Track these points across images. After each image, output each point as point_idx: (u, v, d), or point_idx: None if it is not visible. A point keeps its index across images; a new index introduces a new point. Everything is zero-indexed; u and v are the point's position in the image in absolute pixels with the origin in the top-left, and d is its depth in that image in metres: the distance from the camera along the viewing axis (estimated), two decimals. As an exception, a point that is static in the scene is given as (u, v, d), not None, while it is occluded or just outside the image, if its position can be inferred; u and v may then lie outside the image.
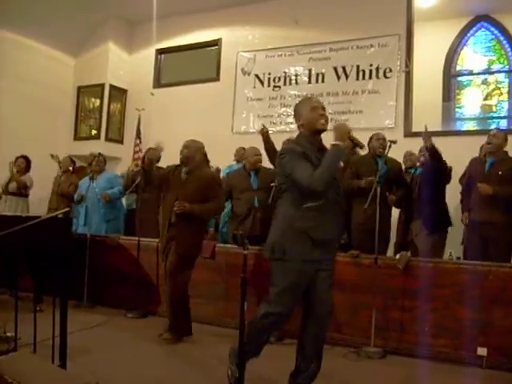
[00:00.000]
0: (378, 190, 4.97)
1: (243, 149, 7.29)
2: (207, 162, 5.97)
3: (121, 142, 10.56)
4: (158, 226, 5.98)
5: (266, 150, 5.78)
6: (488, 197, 5.17)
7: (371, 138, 5.87)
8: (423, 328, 4.57)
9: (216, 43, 9.85)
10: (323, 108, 3.37)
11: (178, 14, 9.81)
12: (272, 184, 5.28)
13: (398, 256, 4.85)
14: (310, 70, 8.87)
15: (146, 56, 10.58)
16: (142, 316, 5.82)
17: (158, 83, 10.44)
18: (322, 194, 3.16)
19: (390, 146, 5.24)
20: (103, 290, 6.17)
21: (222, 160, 7.60)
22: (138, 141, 9.66)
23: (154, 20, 9.25)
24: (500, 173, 5.26)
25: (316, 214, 3.19)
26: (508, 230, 5.16)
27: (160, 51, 10.50)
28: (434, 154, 5.38)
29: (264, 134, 5.72)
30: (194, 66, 10.19)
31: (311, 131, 3.32)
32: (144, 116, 9.88)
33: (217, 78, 9.74)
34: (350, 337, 4.85)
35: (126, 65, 10.67)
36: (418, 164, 6.32)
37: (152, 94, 10.06)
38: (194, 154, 4.97)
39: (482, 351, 4.36)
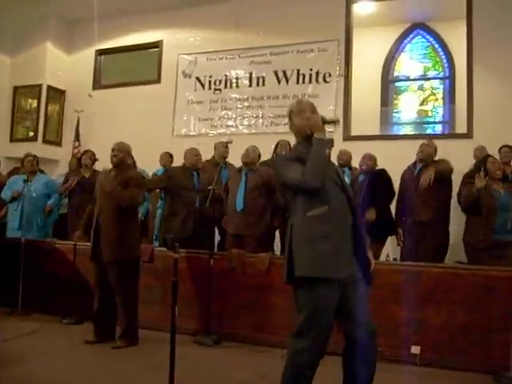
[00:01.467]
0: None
1: (168, 154, 7.38)
2: (134, 164, 6.12)
3: (59, 144, 10.27)
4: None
5: None
6: (420, 198, 5.38)
7: None
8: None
9: (157, 45, 9.74)
10: (312, 109, 3.16)
11: (119, 15, 9.64)
12: (209, 187, 5.27)
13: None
14: (250, 74, 8.90)
15: (86, 56, 10.34)
16: (78, 322, 5.68)
17: (98, 84, 10.23)
18: (325, 200, 2.91)
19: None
20: (38, 296, 5.99)
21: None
22: (76, 143, 9.49)
23: (94, 20, 9.05)
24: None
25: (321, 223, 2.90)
26: (439, 229, 5.36)
27: (100, 52, 10.29)
28: None
29: None
30: (134, 67, 10.05)
31: (304, 137, 3.09)
32: (84, 118, 9.72)
33: (157, 80, 9.63)
34: (286, 338, 4.84)
35: (65, 65, 10.39)
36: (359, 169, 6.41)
37: (90, 96, 9.87)
38: (127, 158, 5.00)
39: (415, 349, 4.49)
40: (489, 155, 5.54)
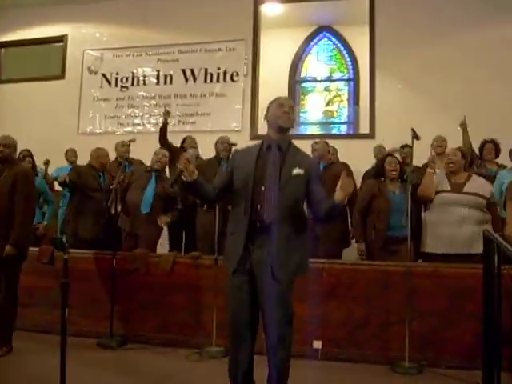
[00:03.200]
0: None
1: (74, 150, 7.19)
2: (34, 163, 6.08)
3: (-46, 140, 9.71)
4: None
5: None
6: None
7: (217, 142, 5.99)
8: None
9: (61, 39, 9.41)
10: (291, 107, 3.23)
11: (21, 6, 9.24)
12: (111, 187, 5.17)
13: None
14: (158, 72, 8.80)
15: (-15, 49, 9.87)
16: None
17: (-2, 79, 9.78)
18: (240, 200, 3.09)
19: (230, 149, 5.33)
20: None
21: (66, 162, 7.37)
22: (-27, 139, 9.00)
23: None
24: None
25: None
26: (336, 227, 5.50)
27: (0, 45, 9.84)
28: None
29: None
30: (37, 62, 9.65)
31: (274, 128, 3.19)
32: (-18, 114, 9.25)
33: (62, 76, 9.31)
34: (192, 338, 4.86)
35: (-38, 58, 9.88)
36: None
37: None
38: (14, 152, 4.78)
39: (317, 344, 4.58)
40: (387, 155, 5.71)
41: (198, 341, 4.80)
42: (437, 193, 4.91)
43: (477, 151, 6.14)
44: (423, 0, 7.83)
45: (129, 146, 6.29)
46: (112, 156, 6.41)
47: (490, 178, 5.50)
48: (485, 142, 6.14)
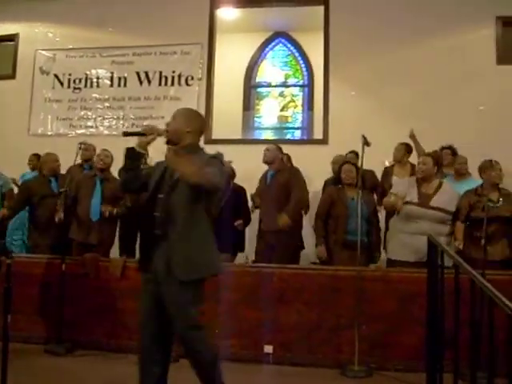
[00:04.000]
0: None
1: (36, 155, 7.03)
2: None
3: None
4: None
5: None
6: (273, 208, 5.57)
7: None
8: (213, 330, 4.66)
9: (12, 38, 9.14)
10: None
11: (-31, 3, 9.00)
12: (61, 190, 5.09)
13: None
14: (112, 74, 8.67)
15: None
16: None
17: None
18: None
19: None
20: None
21: (16, 163, 7.22)
22: None
23: None
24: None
25: None
26: (291, 237, 5.54)
27: None
28: None
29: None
30: (-14, 61, 9.41)
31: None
32: None
33: (12, 76, 9.05)
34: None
35: None
36: None
37: None
38: None
39: (268, 348, 4.62)
40: (345, 162, 5.81)
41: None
42: (405, 203, 4.99)
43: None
44: (378, 8, 7.94)
45: (86, 149, 6.20)
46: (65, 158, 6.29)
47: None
48: (442, 149, 6.29)
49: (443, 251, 3.08)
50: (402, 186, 5.17)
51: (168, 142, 3.14)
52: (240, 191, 6.19)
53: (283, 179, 5.77)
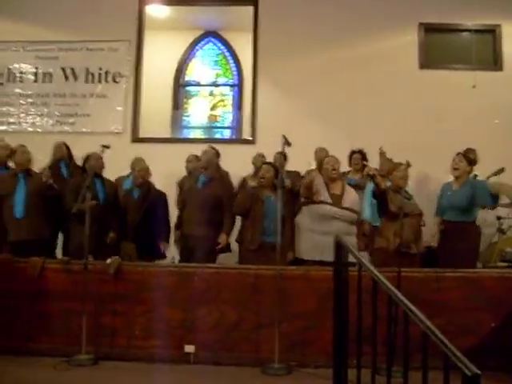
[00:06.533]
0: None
1: None
2: None
3: None
4: None
5: None
6: (199, 215, 5.57)
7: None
8: (134, 331, 4.64)
9: None
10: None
11: None
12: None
13: (108, 261, 4.83)
14: (36, 69, 8.43)
15: None
16: None
17: None
18: None
19: (102, 151, 5.23)
20: None
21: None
22: None
23: None
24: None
25: None
26: (208, 241, 5.58)
27: None
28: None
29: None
30: None
31: None
32: None
33: None
34: (61, 346, 4.69)
35: None
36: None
37: None
38: None
39: (189, 348, 4.61)
40: (265, 163, 5.88)
41: (66, 349, 4.64)
42: (319, 202, 5.12)
43: (346, 160, 6.44)
44: (306, 9, 8.06)
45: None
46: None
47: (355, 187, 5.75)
48: (353, 153, 6.43)
49: (349, 251, 3.18)
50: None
51: None
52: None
53: (216, 191, 5.75)
